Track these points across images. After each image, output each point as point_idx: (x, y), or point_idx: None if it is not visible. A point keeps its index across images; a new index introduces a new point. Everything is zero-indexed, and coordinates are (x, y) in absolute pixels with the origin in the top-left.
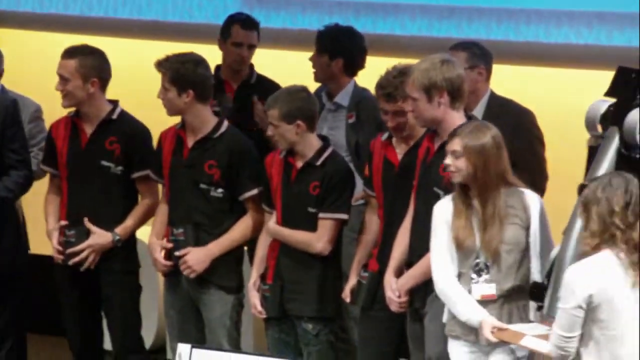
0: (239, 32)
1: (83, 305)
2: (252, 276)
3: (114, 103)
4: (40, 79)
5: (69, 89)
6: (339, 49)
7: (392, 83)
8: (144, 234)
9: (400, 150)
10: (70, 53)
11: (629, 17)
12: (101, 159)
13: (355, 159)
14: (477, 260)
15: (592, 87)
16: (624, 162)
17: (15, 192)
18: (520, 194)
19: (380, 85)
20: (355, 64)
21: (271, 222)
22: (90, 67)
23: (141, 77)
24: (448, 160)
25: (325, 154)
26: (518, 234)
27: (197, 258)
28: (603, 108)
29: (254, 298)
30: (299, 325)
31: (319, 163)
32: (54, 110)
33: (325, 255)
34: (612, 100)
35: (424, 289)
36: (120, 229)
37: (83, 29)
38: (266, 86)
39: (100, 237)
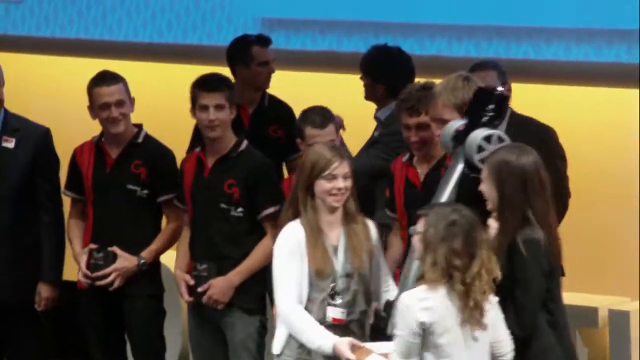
0: (262, 52)
1: (107, 330)
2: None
3: (139, 126)
4: (45, 103)
5: (125, 112)
6: (379, 74)
7: (415, 96)
8: (169, 258)
9: (421, 170)
10: (112, 78)
11: None
12: (127, 182)
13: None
14: (332, 284)
15: (610, 105)
16: (467, 182)
17: (59, 262)
18: (363, 221)
19: (402, 100)
20: (398, 88)
21: None
22: (128, 90)
23: (161, 100)
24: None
25: None
26: (365, 259)
27: (220, 291)
28: (455, 127)
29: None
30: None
31: None
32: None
33: None
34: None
35: None
36: (146, 253)
37: (99, 53)
38: (279, 108)
39: (126, 260)
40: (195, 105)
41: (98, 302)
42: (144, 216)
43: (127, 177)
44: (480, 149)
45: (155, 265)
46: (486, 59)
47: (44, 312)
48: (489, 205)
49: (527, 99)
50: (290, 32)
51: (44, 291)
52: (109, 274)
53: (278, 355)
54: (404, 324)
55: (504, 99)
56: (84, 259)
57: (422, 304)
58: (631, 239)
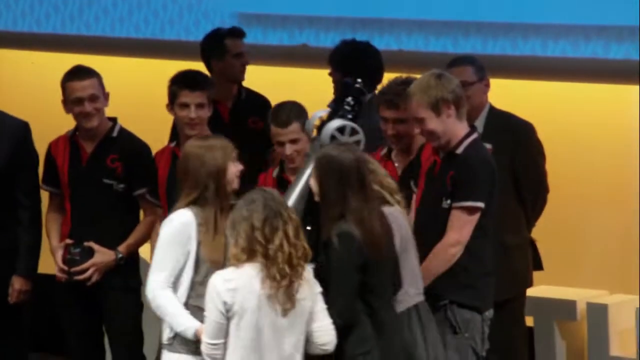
0: (236, 43)
1: (84, 323)
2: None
3: (113, 120)
4: (21, 98)
5: (99, 107)
6: (350, 68)
7: (394, 90)
8: (146, 250)
9: (399, 164)
10: (86, 73)
11: (628, 30)
12: (103, 176)
13: None
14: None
15: (590, 101)
16: None
17: (34, 257)
18: None
19: (381, 92)
20: (369, 82)
21: None
22: (102, 84)
23: (138, 96)
24: None
25: None
26: None
27: None
28: (318, 116)
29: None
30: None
31: None
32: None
33: None
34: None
35: (428, 296)
36: (123, 247)
37: (76, 48)
38: (256, 101)
39: (104, 255)
40: (175, 102)
41: (76, 295)
42: (121, 210)
43: (103, 171)
44: (333, 139)
45: (133, 258)
46: (463, 55)
47: (20, 304)
48: (315, 198)
49: (506, 94)
50: (267, 27)
51: (16, 284)
52: (87, 269)
53: (170, 344)
54: (211, 304)
55: (361, 92)
56: (60, 253)
57: (227, 285)
58: (609, 233)
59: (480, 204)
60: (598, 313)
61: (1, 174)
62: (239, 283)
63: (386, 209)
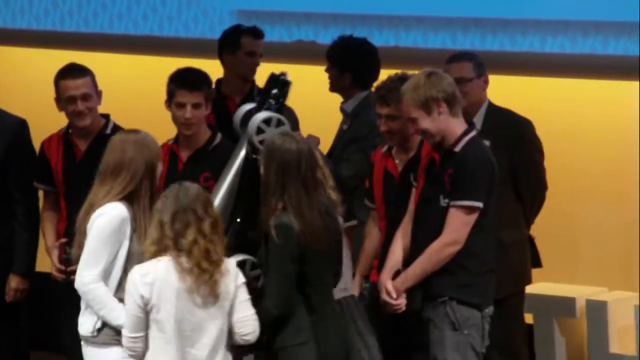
0: (251, 42)
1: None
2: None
3: (106, 117)
4: (19, 95)
5: (92, 106)
6: (347, 63)
7: (387, 86)
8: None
9: (400, 161)
10: (79, 71)
11: (626, 26)
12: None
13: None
14: None
15: (589, 96)
16: (250, 163)
17: (30, 255)
18: None
19: (376, 88)
20: (365, 78)
21: None
22: (95, 83)
23: (137, 92)
24: None
25: None
26: None
27: None
28: (245, 110)
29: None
30: None
31: None
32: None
33: None
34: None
35: (421, 291)
36: None
37: (75, 44)
38: None
39: None
40: (172, 100)
41: (72, 294)
42: None
43: (97, 168)
44: (259, 130)
45: None
46: (463, 51)
47: (17, 303)
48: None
49: (504, 90)
50: (265, 24)
51: (13, 282)
52: None
53: (94, 337)
54: (130, 298)
55: (285, 83)
56: (55, 253)
57: (144, 279)
58: (608, 230)
59: (479, 204)
60: (597, 310)
61: None
62: (156, 276)
63: None
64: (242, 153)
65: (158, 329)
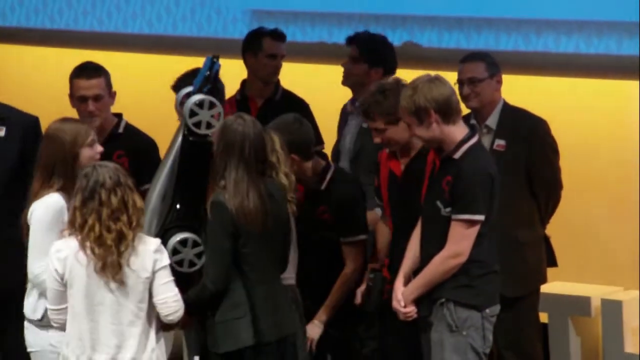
0: (272, 44)
1: None
2: None
3: (119, 116)
4: (33, 94)
5: (103, 107)
6: (381, 57)
7: (367, 101)
8: None
9: (403, 161)
10: (94, 70)
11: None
12: None
13: (353, 164)
14: None
15: (603, 96)
16: (187, 146)
17: None
18: None
19: (359, 104)
20: (393, 72)
21: None
22: (109, 83)
23: (150, 92)
24: None
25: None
26: None
27: None
28: (182, 94)
29: None
30: None
31: (323, 187)
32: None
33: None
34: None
35: (428, 297)
36: None
37: (89, 44)
38: (291, 103)
39: None
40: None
41: None
42: None
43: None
44: (192, 113)
45: None
46: (476, 51)
47: None
48: None
49: (518, 90)
50: (280, 24)
51: None
52: None
53: (40, 320)
54: (49, 272)
55: (213, 65)
56: None
57: (58, 254)
58: (624, 230)
59: (480, 217)
60: (613, 309)
61: (13, 168)
62: (68, 253)
63: None
64: (181, 136)
65: (72, 303)
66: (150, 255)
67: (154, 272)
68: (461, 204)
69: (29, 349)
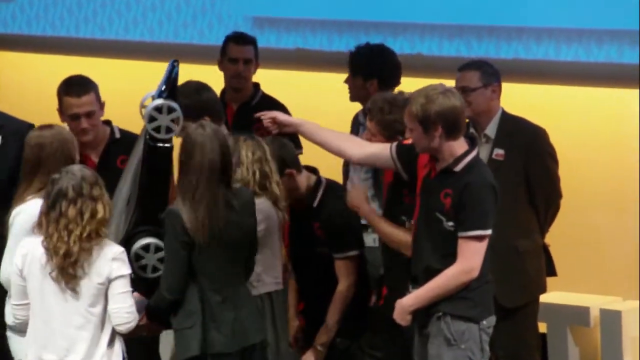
0: (232, 48)
1: None
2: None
3: (108, 123)
4: (35, 102)
5: (95, 122)
6: (372, 69)
7: (374, 104)
8: None
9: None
10: (83, 86)
11: None
12: (115, 179)
13: (374, 179)
14: None
15: (602, 105)
16: (149, 150)
17: None
18: None
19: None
20: (389, 83)
21: None
22: (99, 96)
23: None
24: None
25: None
26: None
27: None
28: (144, 100)
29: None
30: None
31: (315, 204)
32: None
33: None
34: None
35: (427, 307)
36: None
37: (90, 51)
38: (268, 107)
39: None
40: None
41: None
42: None
43: (114, 173)
44: (152, 118)
45: None
46: (476, 59)
47: None
48: None
49: (518, 99)
50: (281, 31)
51: None
52: None
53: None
54: (13, 266)
55: (172, 69)
56: None
57: (21, 250)
58: (623, 239)
59: (489, 232)
60: (611, 319)
61: (10, 176)
62: (29, 249)
63: (262, 201)
64: (141, 139)
65: (29, 300)
66: (107, 263)
67: (109, 280)
68: (471, 220)
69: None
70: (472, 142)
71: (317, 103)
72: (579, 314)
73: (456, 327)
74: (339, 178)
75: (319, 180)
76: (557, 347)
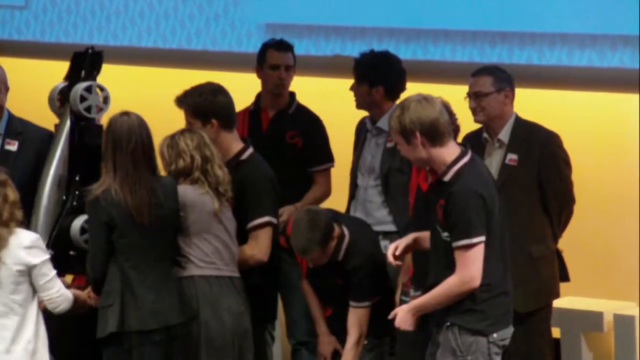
0: (273, 55)
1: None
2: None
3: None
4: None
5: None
6: (378, 77)
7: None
8: None
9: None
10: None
11: None
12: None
13: (383, 185)
14: None
15: (616, 110)
16: (79, 130)
17: None
18: None
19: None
20: (395, 89)
21: None
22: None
23: (164, 106)
24: None
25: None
26: None
27: None
28: (59, 89)
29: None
30: None
31: (340, 258)
32: None
33: None
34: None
35: (440, 315)
36: None
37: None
38: (303, 117)
39: None
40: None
41: None
42: None
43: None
44: (82, 98)
45: None
46: (487, 66)
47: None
48: None
49: (531, 104)
50: (293, 37)
51: None
52: None
53: None
54: None
55: (97, 54)
56: None
57: None
58: (637, 244)
59: (479, 239)
60: (625, 325)
61: (26, 182)
62: None
63: (187, 188)
64: (68, 124)
65: None
66: (22, 250)
67: (29, 268)
68: (457, 230)
69: None
70: (465, 148)
71: (328, 109)
72: (593, 319)
73: (463, 339)
74: (345, 184)
75: (342, 234)
76: (570, 353)
